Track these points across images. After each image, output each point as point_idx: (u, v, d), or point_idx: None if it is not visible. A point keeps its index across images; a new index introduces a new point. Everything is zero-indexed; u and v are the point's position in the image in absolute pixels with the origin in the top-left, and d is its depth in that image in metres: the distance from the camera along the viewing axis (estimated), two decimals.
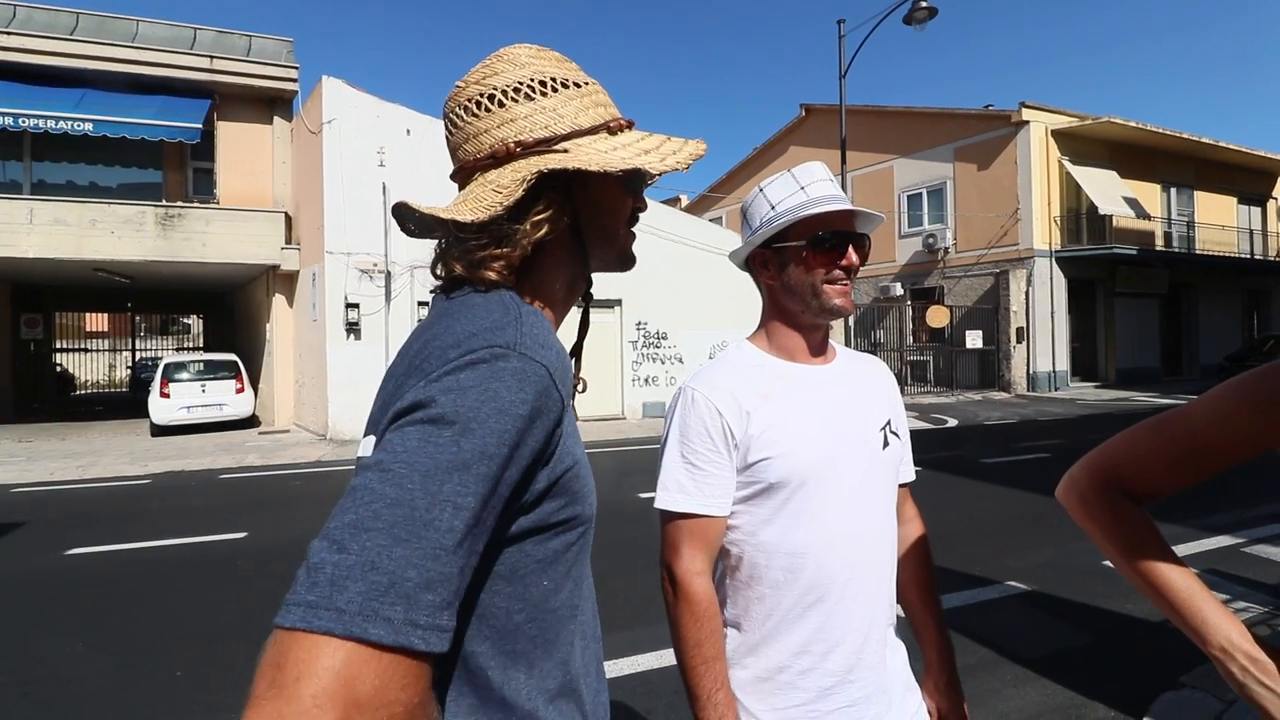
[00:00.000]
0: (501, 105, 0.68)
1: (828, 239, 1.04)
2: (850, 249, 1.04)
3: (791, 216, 1.03)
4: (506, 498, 0.55)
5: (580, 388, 0.79)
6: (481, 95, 0.69)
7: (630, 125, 0.74)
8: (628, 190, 0.74)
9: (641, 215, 0.78)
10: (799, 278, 1.04)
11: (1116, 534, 0.85)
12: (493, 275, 0.66)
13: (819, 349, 1.11)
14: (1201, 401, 0.84)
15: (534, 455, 0.57)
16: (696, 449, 1.01)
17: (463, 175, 0.72)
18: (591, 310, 0.85)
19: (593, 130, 0.71)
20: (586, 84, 0.72)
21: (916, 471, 1.22)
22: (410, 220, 0.71)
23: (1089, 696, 2.70)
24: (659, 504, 1.02)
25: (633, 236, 0.77)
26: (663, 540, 1.04)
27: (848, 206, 1.04)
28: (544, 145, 0.68)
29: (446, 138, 0.73)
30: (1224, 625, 0.76)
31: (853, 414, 1.07)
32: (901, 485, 1.16)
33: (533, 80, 0.69)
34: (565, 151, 0.68)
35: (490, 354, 0.56)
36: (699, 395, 1.03)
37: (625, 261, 0.77)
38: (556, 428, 0.59)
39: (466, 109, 0.70)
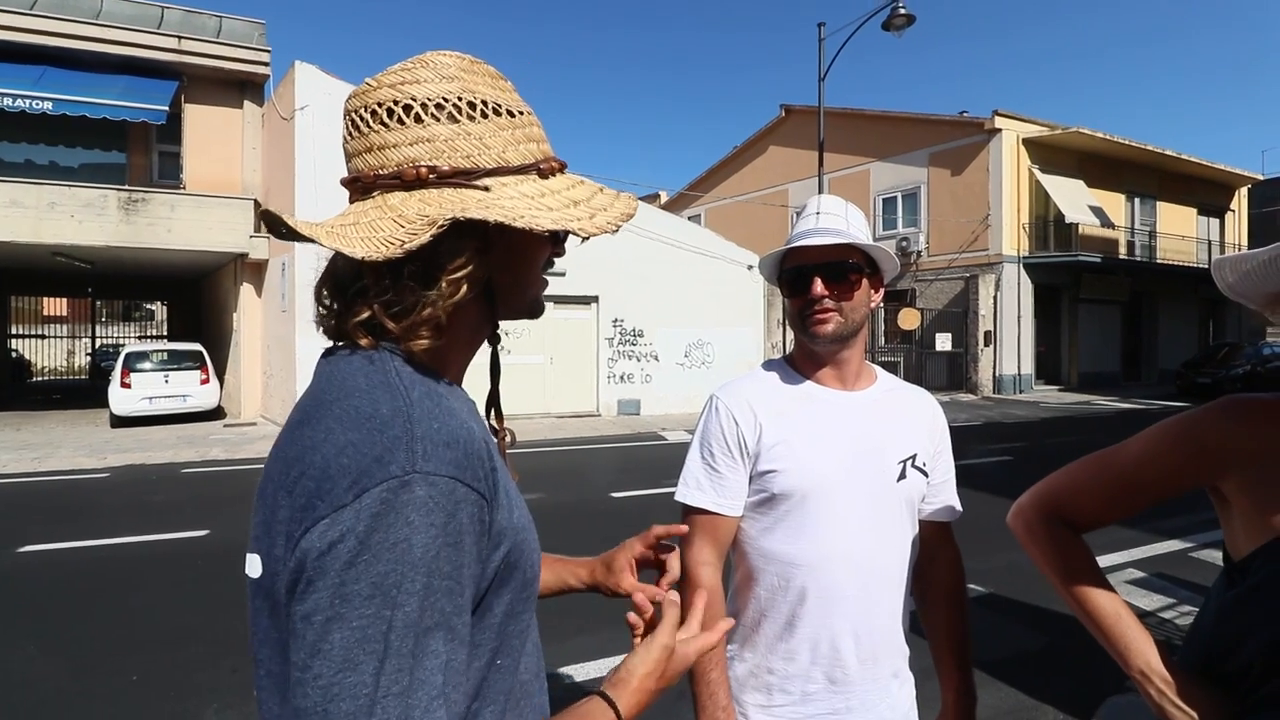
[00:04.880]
0: (419, 120, 0.58)
1: (788, 275, 1.11)
2: (816, 281, 1.06)
3: (778, 252, 1.13)
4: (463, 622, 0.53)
5: (509, 439, 0.70)
6: (395, 103, 0.58)
7: (563, 168, 0.66)
8: (551, 238, 0.65)
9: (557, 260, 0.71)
10: (788, 308, 1.14)
11: (1055, 561, 0.92)
12: (424, 343, 0.58)
13: (847, 373, 1.12)
14: (1135, 441, 0.90)
15: (471, 572, 0.53)
16: (715, 453, 1.10)
17: (356, 189, 0.61)
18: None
19: (521, 170, 0.62)
20: (521, 113, 0.63)
21: None
22: (281, 231, 0.60)
23: (1040, 699, 2.79)
24: (679, 497, 1.12)
25: (546, 283, 0.69)
26: None
27: (810, 242, 1.07)
28: (462, 177, 0.59)
29: (343, 141, 0.63)
30: (1145, 650, 0.83)
31: (869, 442, 1.08)
32: (938, 523, 1.18)
33: (460, 98, 0.59)
34: (486, 190, 0.59)
35: (388, 492, 0.49)
36: (721, 404, 1.12)
37: (535, 311, 0.68)
38: (485, 526, 0.55)
39: (375, 114, 0.59)
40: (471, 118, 0.60)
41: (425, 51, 0.62)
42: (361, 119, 0.60)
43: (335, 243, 0.56)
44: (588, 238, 0.62)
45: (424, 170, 0.58)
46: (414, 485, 0.50)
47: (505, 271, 0.63)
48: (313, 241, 0.58)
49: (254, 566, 0.57)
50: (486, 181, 0.59)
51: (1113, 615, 0.86)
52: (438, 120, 0.59)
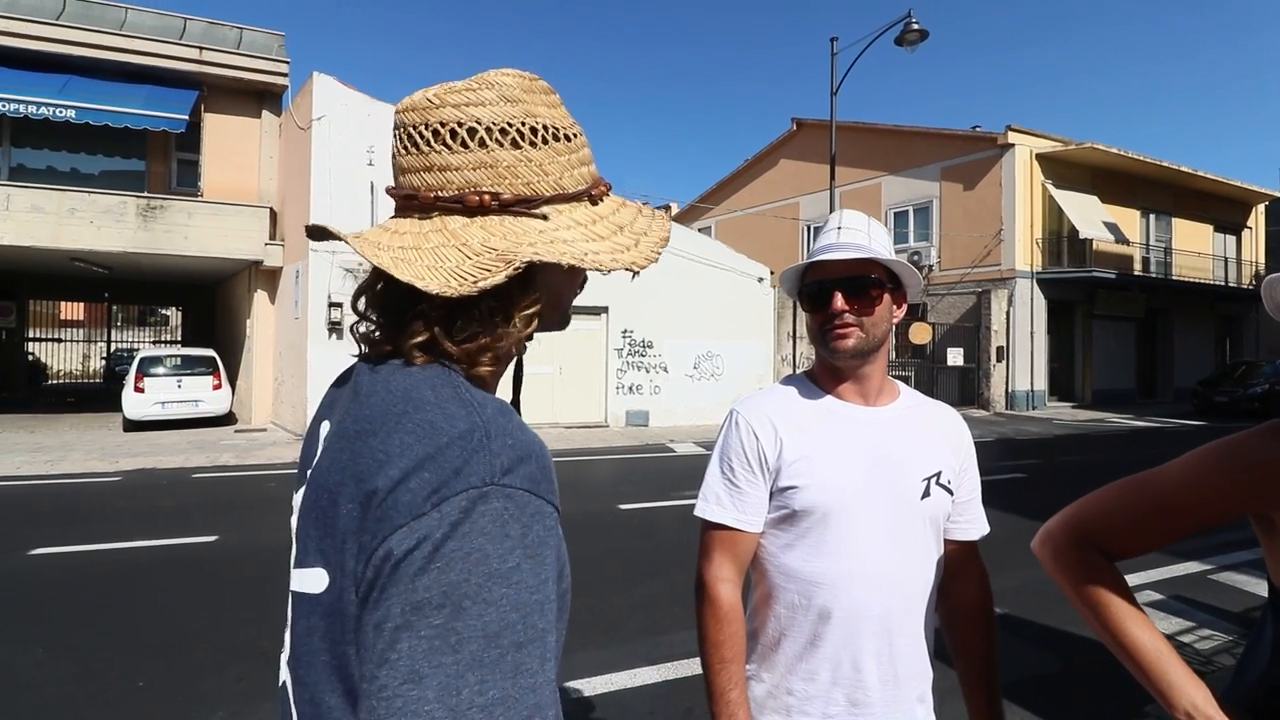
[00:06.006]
0: (483, 144, 0.58)
1: (808, 289, 1.10)
2: (837, 296, 1.05)
3: (799, 266, 1.12)
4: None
5: None
6: (459, 124, 0.58)
7: (609, 190, 0.66)
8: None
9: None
10: (809, 322, 1.13)
11: (1087, 591, 0.86)
12: (486, 369, 0.58)
13: (869, 388, 1.11)
14: (1176, 464, 0.85)
15: (555, 587, 0.53)
16: (735, 468, 1.09)
17: (412, 206, 0.61)
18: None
19: (575, 196, 0.62)
20: (574, 136, 0.63)
21: None
22: (326, 239, 0.62)
23: None
24: (698, 512, 1.11)
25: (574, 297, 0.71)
26: (700, 545, 1.11)
27: (831, 256, 1.06)
28: (522, 205, 0.59)
29: (396, 153, 0.62)
30: (1189, 689, 0.77)
31: (891, 458, 1.06)
32: (964, 541, 1.15)
33: (524, 124, 0.59)
34: (544, 218, 0.60)
35: (466, 502, 0.49)
36: (741, 419, 1.11)
37: (564, 323, 0.69)
38: (559, 539, 0.55)
39: (438, 134, 0.58)
40: (533, 144, 0.60)
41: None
42: (421, 136, 0.59)
43: (407, 274, 0.55)
44: (638, 272, 0.62)
45: (487, 198, 0.58)
46: (491, 497, 0.50)
47: (550, 295, 0.64)
48: (379, 265, 0.58)
49: (315, 581, 0.55)
50: (544, 209, 0.60)
51: (1153, 651, 0.80)
52: (501, 145, 0.59)
